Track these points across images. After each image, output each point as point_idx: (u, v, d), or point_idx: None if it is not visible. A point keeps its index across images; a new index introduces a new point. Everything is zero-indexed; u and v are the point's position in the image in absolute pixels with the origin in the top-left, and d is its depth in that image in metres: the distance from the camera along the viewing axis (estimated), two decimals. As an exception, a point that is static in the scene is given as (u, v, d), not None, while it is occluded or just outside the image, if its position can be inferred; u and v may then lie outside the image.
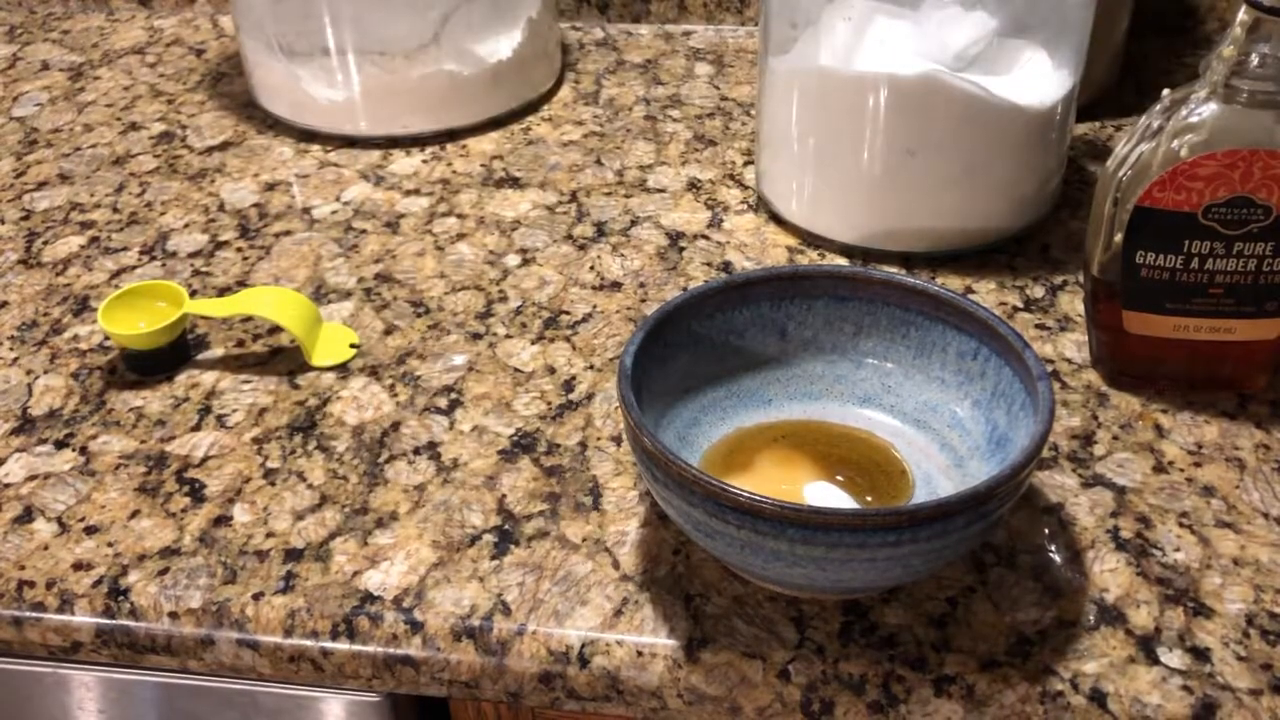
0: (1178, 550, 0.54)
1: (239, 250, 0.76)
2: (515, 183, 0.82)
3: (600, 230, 0.76)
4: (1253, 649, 0.49)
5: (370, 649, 0.52)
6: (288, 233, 0.78)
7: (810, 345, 0.58)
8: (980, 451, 0.53)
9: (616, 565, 0.54)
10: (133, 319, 0.65)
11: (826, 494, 0.54)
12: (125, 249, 0.77)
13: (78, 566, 0.55)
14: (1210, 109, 0.55)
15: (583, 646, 0.51)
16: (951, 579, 0.53)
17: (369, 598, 0.53)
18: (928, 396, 0.56)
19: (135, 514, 0.58)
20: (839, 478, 0.54)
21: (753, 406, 0.58)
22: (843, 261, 0.73)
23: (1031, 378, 0.50)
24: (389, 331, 0.69)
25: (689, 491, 0.46)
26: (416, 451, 0.60)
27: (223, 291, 0.72)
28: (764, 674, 0.49)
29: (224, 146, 0.88)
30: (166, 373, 0.66)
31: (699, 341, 0.56)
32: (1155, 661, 0.49)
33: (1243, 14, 0.54)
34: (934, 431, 0.56)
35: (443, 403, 0.63)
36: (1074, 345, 0.65)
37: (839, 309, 0.57)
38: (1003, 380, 0.53)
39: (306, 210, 0.80)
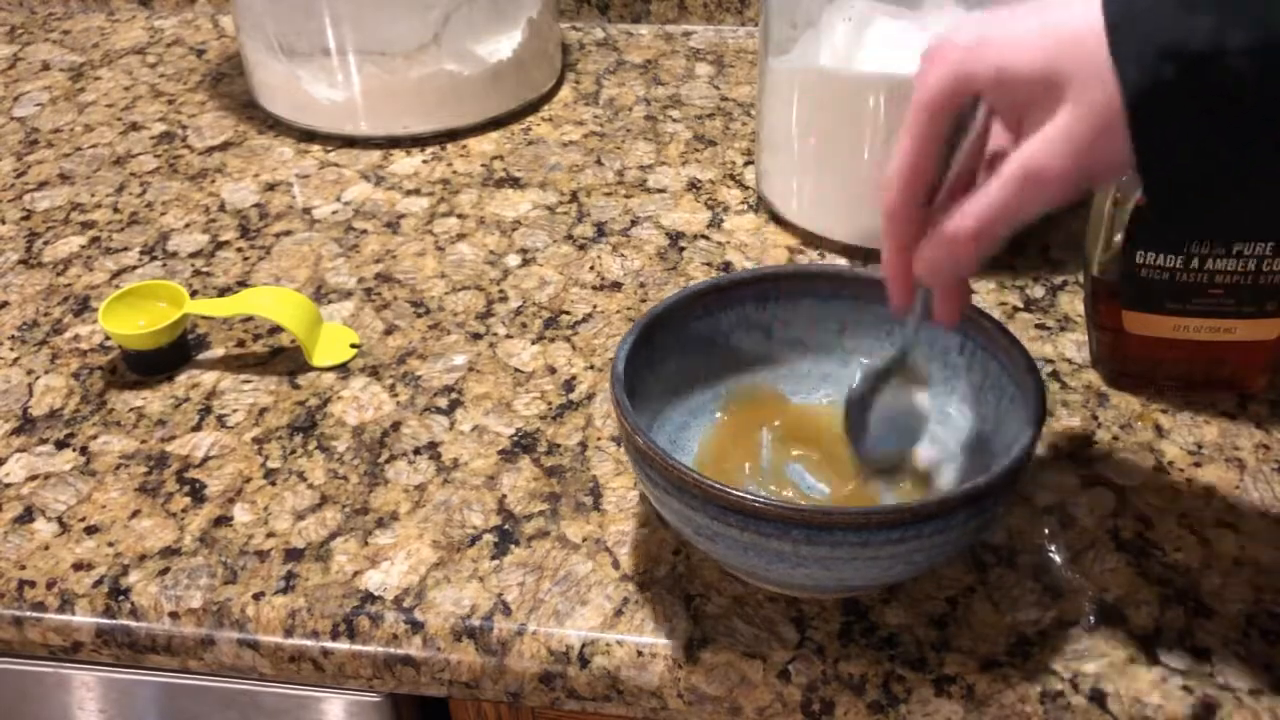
0: (1178, 550, 0.54)
1: (239, 250, 0.76)
2: (515, 183, 0.82)
3: (600, 230, 0.76)
4: (1253, 649, 0.49)
5: (370, 649, 0.52)
6: (288, 233, 0.78)
7: (797, 344, 0.58)
8: (971, 445, 0.53)
9: (616, 565, 0.54)
10: (133, 319, 0.65)
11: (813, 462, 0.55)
12: (126, 249, 0.77)
13: (78, 566, 0.55)
14: (1210, 109, 0.55)
15: (583, 646, 0.51)
16: (951, 579, 0.53)
17: (369, 598, 0.53)
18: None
19: (136, 514, 0.58)
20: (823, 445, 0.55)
21: (742, 408, 0.57)
22: (843, 261, 0.73)
23: (1019, 370, 0.50)
24: (389, 331, 0.69)
25: (690, 495, 0.46)
26: (417, 451, 0.60)
27: (223, 291, 0.72)
28: (764, 674, 0.49)
29: (224, 146, 0.88)
30: (167, 373, 0.66)
31: (687, 344, 0.56)
32: (1155, 661, 0.49)
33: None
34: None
35: (443, 403, 0.63)
36: (1074, 345, 0.65)
37: (823, 308, 0.57)
38: (990, 374, 0.53)
39: (307, 210, 0.80)
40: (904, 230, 0.46)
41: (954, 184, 0.45)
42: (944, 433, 0.55)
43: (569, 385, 0.64)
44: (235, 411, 0.63)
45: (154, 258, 0.76)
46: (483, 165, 0.84)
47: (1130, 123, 0.38)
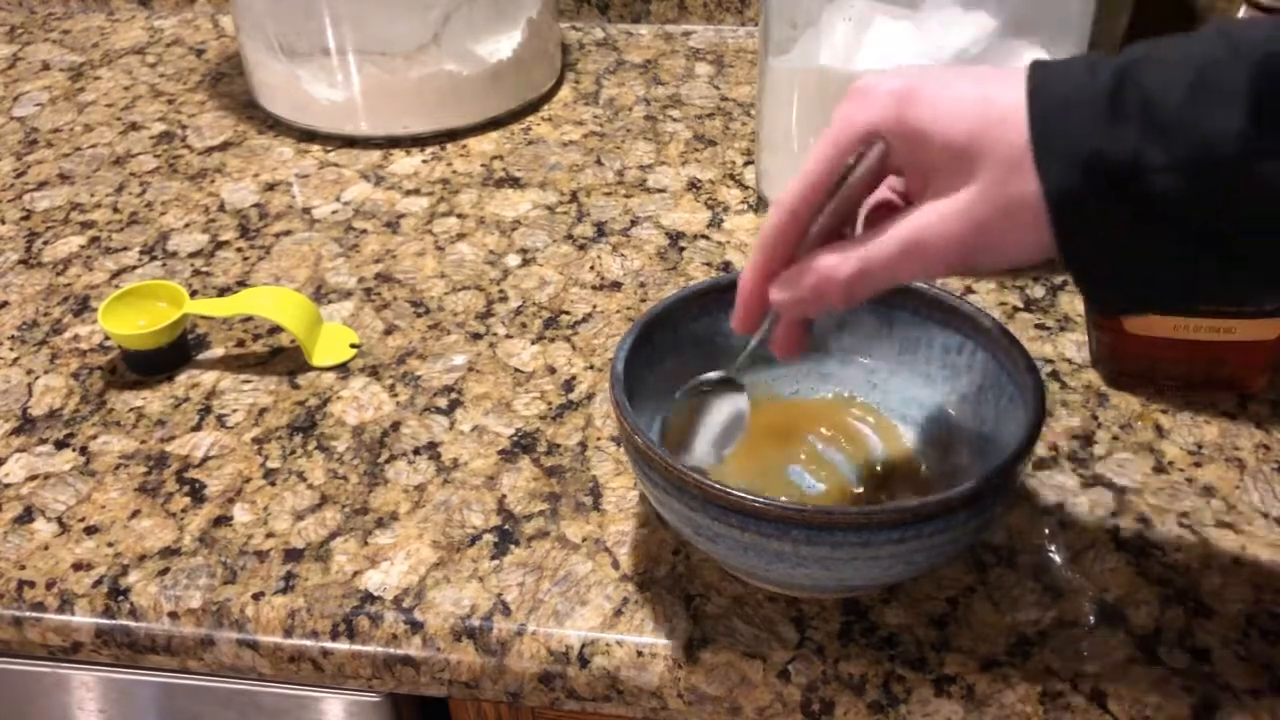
0: (1178, 550, 0.54)
1: (239, 250, 0.76)
2: (515, 183, 0.82)
3: (600, 230, 0.76)
4: (1253, 649, 0.49)
5: (370, 649, 0.52)
6: (288, 233, 0.78)
7: None
8: (970, 445, 0.53)
9: (616, 565, 0.54)
10: (133, 319, 0.65)
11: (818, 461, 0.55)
12: (125, 249, 0.77)
13: (78, 566, 0.55)
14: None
15: (583, 646, 0.51)
16: (951, 579, 0.53)
17: (369, 598, 0.53)
18: (915, 392, 0.56)
19: (135, 514, 0.58)
20: (822, 445, 0.55)
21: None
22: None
23: (1019, 369, 0.50)
24: (389, 331, 0.69)
25: (690, 495, 0.46)
26: (416, 451, 0.60)
27: (223, 291, 0.72)
28: (764, 674, 0.49)
29: (224, 146, 0.88)
30: (166, 373, 0.66)
31: (686, 343, 0.56)
32: (1155, 661, 0.49)
33: (1243, 14, 0.54)
34: (922, 427, 0.56)
35: (443, 403, 0.63)
36: (1074, 345, 0.65)
37: None
38: (989, 373, 0.53)
39: (307, 210, 0.80)
40: (777, 254, 0.45)
41: (831, 219, 0.44)
42: (944, 432, 0.55)
43: (569, 385, 0.64)
44: (235, 411, 0.63)
45: (154, 258, 0.76)
46: (483, 165, 0.84)
47: (1053, 222, 0.38)
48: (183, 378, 0.66)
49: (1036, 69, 0.39)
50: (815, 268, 0.43)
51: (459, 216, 0.79)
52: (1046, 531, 0.55)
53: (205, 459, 0.60)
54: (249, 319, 0.70)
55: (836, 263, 0.42)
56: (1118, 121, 0.36)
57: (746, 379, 0.58)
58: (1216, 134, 0.35)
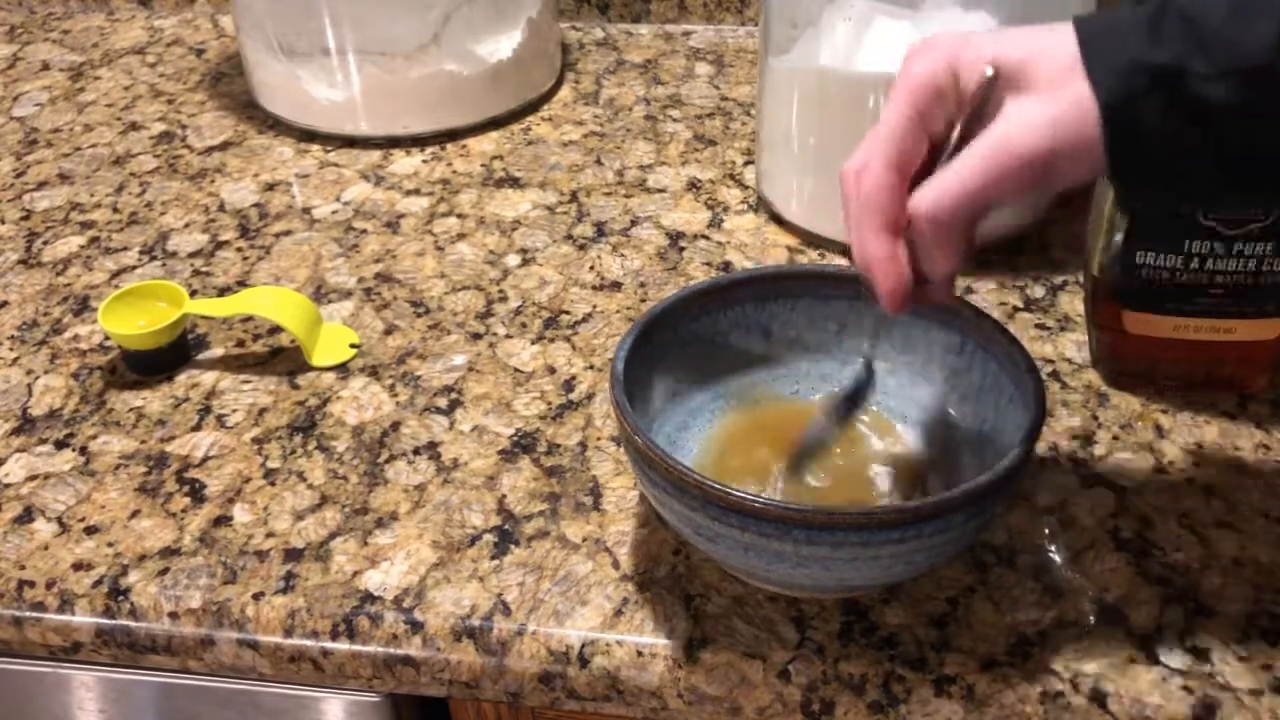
0: (1178, 550, 0.54)
1: (239, 250, 0.76)
2: (515, 183, 0.82)
3: (600, 230, 0.76)
4: (1253, 649, 0.49)
5: (370, 649, 0.52)
6: (288, 233, 0.78)
7: (795, 344, 0.58)
8: (970, 445, 0.53)
9: (616, 565, 0.54)
10: (133, 319, 0.65)
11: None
12: (125, 249, 0.77)
13: (78, 566, 0.55)
14: (1210, 109, 0.55)
15: (583, 646, 0.51)
16: (951, 579, 0.53)
17: (369, 598, 0.53)
18: (915, 392, 0.56)
19: (135, 514, 0.58)
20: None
21: (740, 408, 0.58)
22: (843, 261, 0.73)
23: (1019, 370, 0.50)
24: (389, 331, 0.69)
25: (690, 496, 0.46)
26: (416, 451, 0.60)
27: (223, 291, 0.72)
28: (764, 674, 0.49)
29: (224, 146, 0.88)
30: (166, 373, 0.66)
31: (686, 344, 0.56)
32: (1155, 661, 0.49)
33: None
34: (922, 426, 0.56)
35: (443, 403, 0.63)
36: (1074, 345, 0.65)
37: (821, 308, 0.57)
38: (989, 374, 0.53)
39: (307, 210, 0.80)
40: (893, 213, 0.44)
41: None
42: (944, 432, 0.55)
43: (569, 385, 0.64)
44: (235, 411, 0.63)
45: (154, 258, 0.76)
46: (483, 165, 0.84)
47: (1103, 124, 0.40)
48: (183, 378, 0.66)
49: (1078, 17, 0.42)
50: (910, 210, 0.44)
51: (459, 216, 0.79)
52: (1046, 531, 0.55)
53: (205, 459, 0.60)
54: (249, 319, 0.70)
55: (916, 198, 0.43)
56: (1160, 41, 0.39)
57: (745, 380, 0.58)
58: (1256, 44, 0.38)
